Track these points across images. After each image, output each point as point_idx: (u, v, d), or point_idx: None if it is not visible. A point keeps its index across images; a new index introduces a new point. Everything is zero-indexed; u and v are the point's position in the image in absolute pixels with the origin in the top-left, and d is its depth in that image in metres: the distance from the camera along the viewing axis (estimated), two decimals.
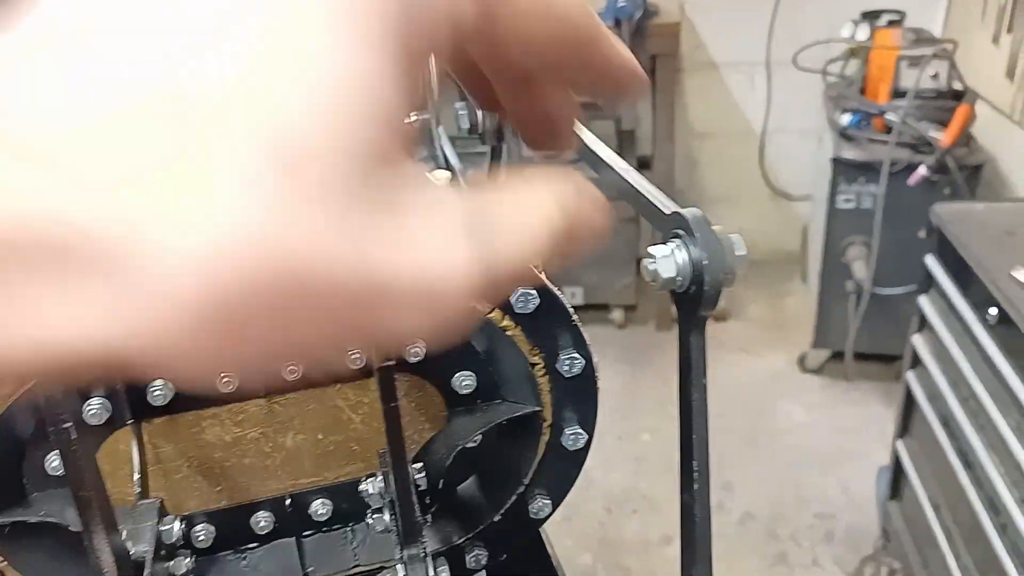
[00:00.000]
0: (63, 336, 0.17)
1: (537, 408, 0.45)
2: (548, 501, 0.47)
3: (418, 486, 0.41)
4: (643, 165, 2.93)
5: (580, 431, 0.46)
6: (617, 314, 2.97)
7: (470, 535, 0.47)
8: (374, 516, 0.41)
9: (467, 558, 0.47)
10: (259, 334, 0.17)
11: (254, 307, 0.17)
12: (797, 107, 2.88)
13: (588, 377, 0.45)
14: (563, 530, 2.16)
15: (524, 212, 0.22)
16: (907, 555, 1.89)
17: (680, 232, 0.33)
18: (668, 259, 0.33)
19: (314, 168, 0.17)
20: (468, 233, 0.19)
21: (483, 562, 0.47)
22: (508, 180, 0.23)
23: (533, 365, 0.43)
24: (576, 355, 0.43)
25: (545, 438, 0.46)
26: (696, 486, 0.36)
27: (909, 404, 1.86)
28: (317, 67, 0.17)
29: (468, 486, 0.47)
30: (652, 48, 2.64)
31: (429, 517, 0.44)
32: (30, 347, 0.17)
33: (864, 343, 2.50)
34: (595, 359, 0.45)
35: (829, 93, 2.56)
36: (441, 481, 0.45)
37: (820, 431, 2.52)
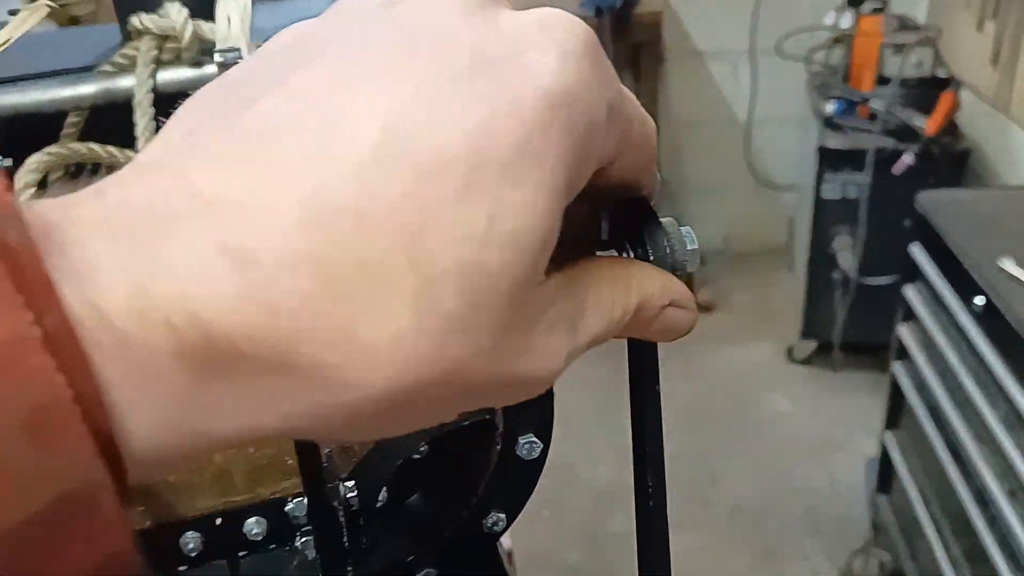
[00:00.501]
0: (274, 422, 0.20)
1: (487, 416, 0.42)
2: (503, 515, 0.44)
3: (351, 505, 0.38)
4: None
5: (535, 440, 0.43)
6: None
7: (419, 553, 0.44)
8: (303, 539, 0.38)
9: None
10: (414, 415, 0.22)
11: (418, 401, 0.20)
12: (782, 96, 2.86)
13: None
14: (549, 526, 2.13)
15: (607, 303, 0.26)
16: (896, 548, 1.87)
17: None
18: (611, 254, 0.30)
19: (490, 299, 0.20)
20: (567, 329, 0.24)
21: None
22: (602, 265, 0.27)
23: None
24: None
25: (498, 447, 0.43)
26: (651, 502, 0.33)
27: (896, 395, 1.84)
28: (515, 220, 0.20)
29: (416, 501, 0.44)
30: (634, 37, 2.61)
31: (364, 539, 0.41)
32: (240, 433, 0.19)
33: (852, 333, 2.48)
34: None
35: (813, 81, 2.54)
36: (385, 497, 0.42)
37: (808, 422, 2.51)
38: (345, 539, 0.36)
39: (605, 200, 0.30)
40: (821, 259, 2.46)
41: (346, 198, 0.19)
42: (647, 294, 0.27)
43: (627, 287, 0.26)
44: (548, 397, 0.43)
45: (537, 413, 0.43)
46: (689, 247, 0.30)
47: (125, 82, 0.57)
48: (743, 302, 3.04)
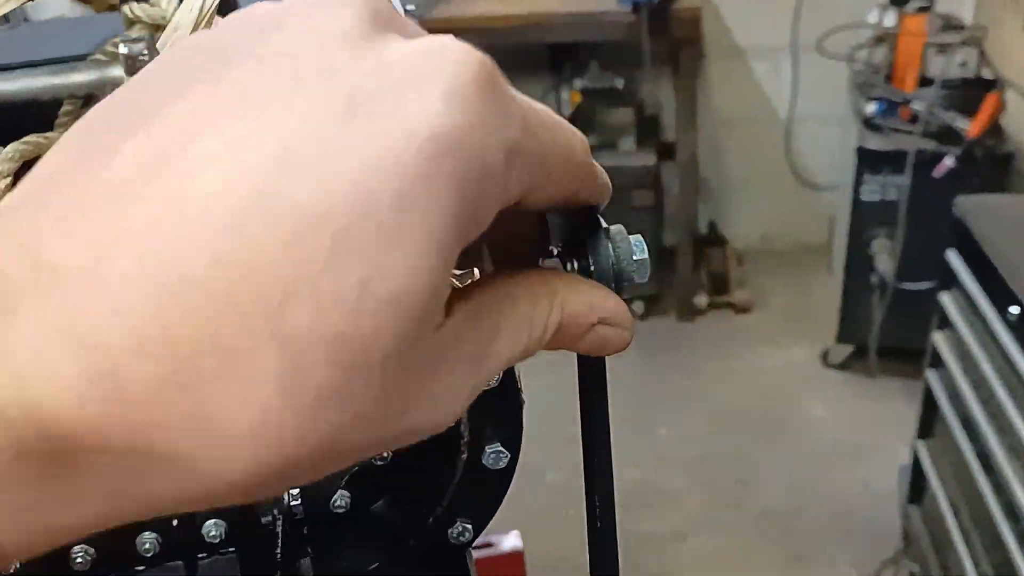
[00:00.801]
0: (136, 508, 0.18)
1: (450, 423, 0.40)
2: (469, 525, 0.43)
3: (294, 514, 0.37)
4: (666, 152, 2.86)
5: (502, 450, 0.41)
6: (637, 305, 2.92)
7: (383, 561, 0.43)
8: None
9: None
10: (297, 481, 0.20)
11: (295, 472, 0.19)
12: (824, 94, 2.80)
13: (508, 390, 0.40)
14: (571, 525, 2.11)
15: (525, 324, 0.24)
16: (927, 559, 1.83)
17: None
18: (556, 265, 0.28)
19: (367, 367, 0.18)
20: (472, 364, 0.22)
21: None
22: (521, 281, 0.25)
23: None
24: None
25: (463, 456, 0.41)
26: (599, 523, 0.31)
27: (930, 404, 1.80)
28: (392, 283, 0.18)
29: (381, 508, 0.43)
30: (674, 33, 2.58)
31: (309, 548, 0.40)
32: (100, 522, 0.18)
33: (889, 338, 2.43)
34: (517, 371, 0.41)
35: (855, 80, 2.49)
36: (347, 504, 0.41)
37: (842, 427, 2.46)
38: (278, 550, 0.35)
39: (549, 210, 0.29)
40: (859, 262, 2.42)
41: (199, 268, 0.17)
42: (572, 312, 0.25)
43: (549, 305, 0.25)
44: (516, 407, 0.41)
45: (504, 423, 0.41)
46: (637, 257, 0.29)
47: (117, 71, 0.57)
48: (780, 303, 2.99)
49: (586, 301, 0.26)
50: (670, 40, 2.60)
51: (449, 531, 0.43)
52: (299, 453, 0.18)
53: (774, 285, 3.05)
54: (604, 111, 2.79)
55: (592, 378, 0.30)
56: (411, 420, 0.20)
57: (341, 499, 0.42)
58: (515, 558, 1.03)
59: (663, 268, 2.94)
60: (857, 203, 2.35)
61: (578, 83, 2.76)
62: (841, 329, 2.56)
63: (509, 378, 0.40)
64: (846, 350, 2.61)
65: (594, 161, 0.27)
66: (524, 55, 2.85)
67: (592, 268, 0.27)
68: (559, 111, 2.98)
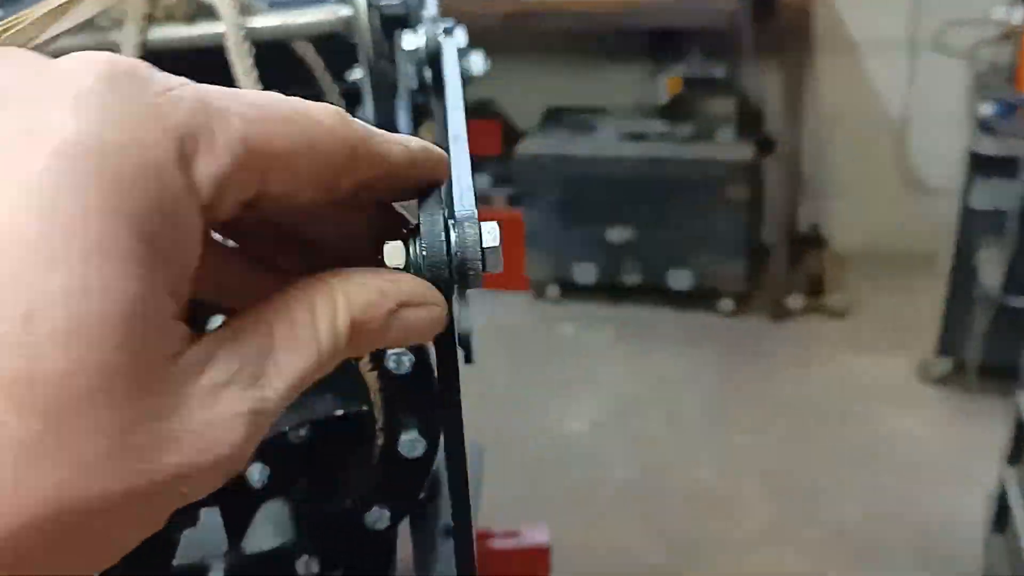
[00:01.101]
0: None
1: (364, 408, 0.39)
2: (386, 511, 0.42)
3: None
4: (768, 146, 2.77)
5: (419, 438, 0.40)
6: (726, 302, 2.84)
7: (300, 539, 0.42)
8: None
9: (297, 563, 0.42)
10: (67, 554, 0.17)
11: (37, 553, 0.16)
12: (941, 93, 2.66)
13: (423, 377, 0.39)
14: (635, 525, 2.08)
15: (306, 334, 0.22)
16: None
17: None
18: (398, 250, 0.26)
19: (72, 409, 0.16)
20: (243, 388, 0.20)
21: (315, 569, 0.42)
22: (294, 289, 0.23)
23: (357, 360, 0.38)
24: (403, 351, 0.37)
25: (379, 443, 0.40)
26: (457, 526, 0.30)
27: (1020, 428, 1.68)
28: (65, 310, 0.16)
29: (301, 487, 0.42)
30: (781, 22, 2.48)
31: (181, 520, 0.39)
32: None
33: (993, 355, 2.29)
34: (431, 357, 0.39)
35: (977, 80, 2.35)
36: (265, 480, 0.41)
37: (932, 445, 2.33)
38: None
39: (391, 195, 0.27)
40: (964, 272, 2.29)
41: None
42: (361, 305, 0.23)
43: (331, 308, 0.23)
44: (432, 395, 0.40)
45: (420, 411, 0.40)
46: (486, 244, 0.26)
47: (116, 37, 0.58)
48: (879, 311, 2.86)
49: (374, 290, 0.24)
50: (776, 30, 2.50)
51: (366, 516, 0.42)
52: (22, 521, 0.16)
53: (875, 292, 2.92)
54: (703, 100, 2.72)
55: (446, 376, 0.28)
56: (178, 458, 0.18)
57: (259, 473, 0.41)
58: (540, 553, 1.01)
59: (757, 267, 2.85)
60: (965, 210, 2.22)
61: (677, 70, 2.70)
62: (941, 342, 2.43)
63: (423, 366, 0.39)
64: (944, 364, 2.48)
65: (404, 138, 0.25)
66: (622, 41, 2.80)
67: (424, 255, 0.26)
68: (656, 98, 2.88)
